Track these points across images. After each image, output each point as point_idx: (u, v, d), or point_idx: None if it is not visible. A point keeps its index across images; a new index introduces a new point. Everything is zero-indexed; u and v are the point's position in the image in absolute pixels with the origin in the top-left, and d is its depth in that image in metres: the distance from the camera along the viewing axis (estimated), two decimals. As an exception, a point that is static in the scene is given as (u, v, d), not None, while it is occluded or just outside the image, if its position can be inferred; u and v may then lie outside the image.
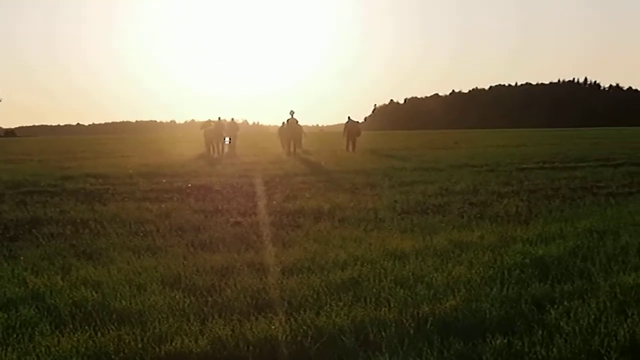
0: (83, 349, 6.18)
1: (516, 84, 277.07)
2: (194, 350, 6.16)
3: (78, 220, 14.35)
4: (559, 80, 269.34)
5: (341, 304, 7.45)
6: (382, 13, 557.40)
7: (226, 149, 49.81)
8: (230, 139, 51.13)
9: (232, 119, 55.86)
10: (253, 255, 10.27)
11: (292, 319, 6.94)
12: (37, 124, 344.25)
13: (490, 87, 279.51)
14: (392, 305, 7.39)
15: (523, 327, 6.69)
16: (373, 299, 7.65)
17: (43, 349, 6.19)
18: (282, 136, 54.45)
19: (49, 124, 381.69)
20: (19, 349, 6.32)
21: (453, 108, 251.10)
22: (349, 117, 53.53)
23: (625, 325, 6.53)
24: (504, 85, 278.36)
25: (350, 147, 50.60)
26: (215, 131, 49.02)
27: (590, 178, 23.06)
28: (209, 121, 51.83)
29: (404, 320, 6.85)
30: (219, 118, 50.66)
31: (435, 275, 8.68)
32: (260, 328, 6.66)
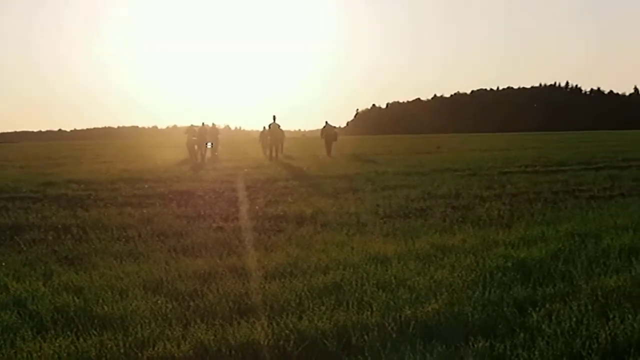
0: (65, 355, 6.16)
1: (498, 88, 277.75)
2: (176, 355, 6.15)
3: (60, 226, 14.31)
4: (540, 85, 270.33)
5: (323, 308, 7.45)
6: (365, 18, 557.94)
7: (208, 154, 49.77)
8: (212, 144, 51.02)
9: (213, 124, 55.79)
10: (235, 260, 10.26)
11: (274, 323, 6.94)
12: (18, 130, 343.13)
13: (472, 91, 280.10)
14: (374, 309, 7.40)
15: (505, 330, 6.71)
16: (355, 303, 7.65)
17: (25, 355, 6.17)
18: (263, 141, 54.52)
19: (30, 130, 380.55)
20: (1, 355, 6.29)
21: (435, 113, 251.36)
22: (326, 122, 53.59)
23: (606, 328, 6.56)
24: (486, 89, 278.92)
25: (327, 152, 50.56)
26: (199, 136, 49.02)
27: (572, 181, 23.15)
28: (192, 126, 51.86)
29: (387, 324, 6.85)
30: (203, 123, 50.68)
31: (417, 279, 8.69)
32: (243, 332, 6.66)
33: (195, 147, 48.15)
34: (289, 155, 49.88)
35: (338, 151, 53.69)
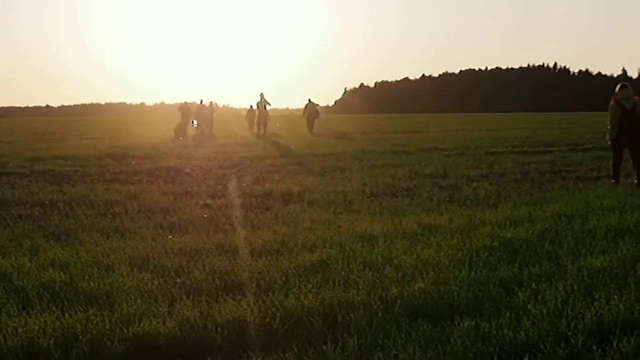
0: (50, 330, 6.14)
1: (486, 68, 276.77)
2: (162, 331, 6.14)
3: (46, 202, 14.30)
4: (528, 65, 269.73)
5: (310, 286, 7.45)
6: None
7: (194, 131, 49.88)
8: (197, 122, 51.08)
9: (211, 102, 56.04)
10: (222, 238, 10.25)
11: (260, 301, 6.94)
12: (5, 106, 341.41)
13: (460, 71, 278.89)
14: (360, 287, 7.40)
15: (491, 309, 6.72)
16: (341, 281, 7.65)
17: (10, 330, 6.15)
18: (249, 119, 54.61)
19: (17, 105, 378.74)
20: (-14, 330, 6.27)
21: (423, 92, 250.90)
22: (309, 100, 53.66)
23: (592, 308, 6.57)
24: (474, 69, 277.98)
25: (309, 129, 50.74)
26: (195, 114, 49.65)
27: (560, 162, 23.21)
28: (186, 104, 52.17)
29: (373, 303, 6.85)
30: (202, 101, 52.31)
31: (404, 257, 8.70)
32: (229, 310, 6.66)
33: (193, 123, 48.65)
34: (276, 134, 49.79)
35: (326, 129, 53.74)
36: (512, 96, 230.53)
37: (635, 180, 17.00)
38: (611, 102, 17.18)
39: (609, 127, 17.18)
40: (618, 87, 17.49)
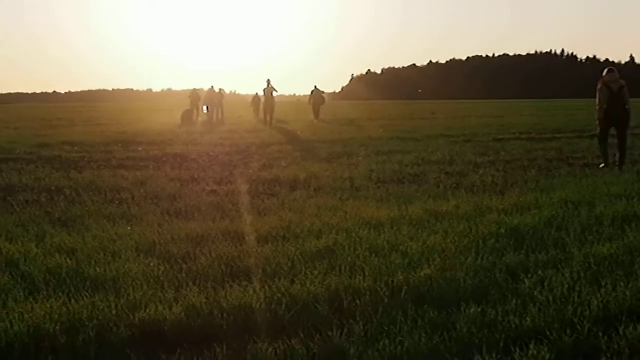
0: (57, 316, 6.14)
1: (494, 55, 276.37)
2: (168, 317, 6.14)
3: (53, 188, 14.30)
4: (536, 52, 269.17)
5: (316, 272, 7.45)
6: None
7: (205, 118, 50.18)
8: (207, 108, 51.44)
9: (221, 89, 56.44)
10: (228, 224, 10.25)
11: (266, 287, 6.93)
12: (12, 92, 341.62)
13: (468, 58, 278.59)
14: (366, 273, 7.39)
15: (497, 296, 6.71)
16: (348, 268, 7.65)
17: (17, 316, 6.15)
18: (255, 105, 54.93)
19: (24, 91, 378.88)
20: (-7, 316, 6.28)
21: (431, 79, 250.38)
22: (315, 87, 54.09)
23: (598, 295, 6.56)
24: (481, 56, 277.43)
25: (316, 116, 51.07)
26: (205, 100, 50.17)
27: (567, 149, 23.16)
28: (195, 90, 52.53)
29: (379, 289, 6.85)
30: (212, 87, 52.72)
31: (410, 244, 8.69)
32: (235, 296, 6.65)
33: (204, 109, 49.07)
34: (282, 120, 49.77)
35: (333, 116, 53.74)
36: (519, 83, 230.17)
37: (617, 162, 17.87)
38: (599, 85, 18.00)
39: (597, 108, 18.04)
40: (605, 71, 18.39)
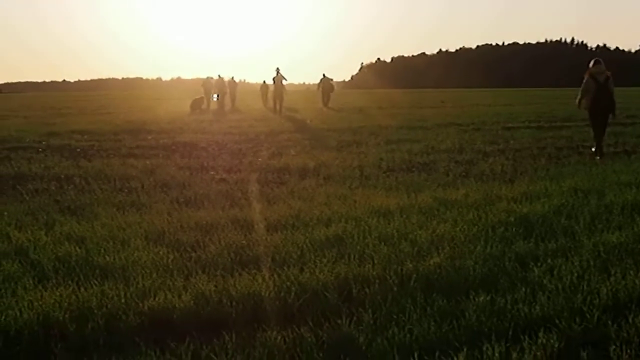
0: (66, 304, 6.16)
1: (503, 43, 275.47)
2: (177, 305, 6.14)
3: (62, 176, 14.33)
4: (546, 40, 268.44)
5: (325, 260, 7.45)
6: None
7: (215, 106, 50.46)
8: (218, 96, 51.79)
9: (232, 78, 57.13)
10: (237, 212, 10.26)
11: (275, 275, 6.94)
12: (22, 81, 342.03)
13: (477, 46, 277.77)
14: (375, 262, 7.39)
15: (506, 284, 6.70)
16: (357, 256, 7.65)
17: (26, 304, 6.16)
18: (263, 93, 55.31)
19: (34, 80, 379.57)
20: (2, 303, 6.28)
21: (440, 67, 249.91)
22: (323, 75, 54.67)
23: (607, 283, 6.55)
24: (490, 44, 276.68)
25: (325, 104, 51.46)
26: (216, 87, 50.79)
27: (577, 137, 23.10)
28: (209, 78, 52.93)
29: (388, 277, 6.85)
30: (219, 75, 54.35)
31: (419, 232, 8.68)
32: (244, 284, 6.66)
33: (214, 98, 49.67)
34: (292, 108, 49.74)
35: (342, 105, 53.71)
36: (529, 71, 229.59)
37: (593, 149, 18.57)
38: (586, 77, 18.56)
39: (578, 97, 18.94)
40: (592, 62, 18.85)
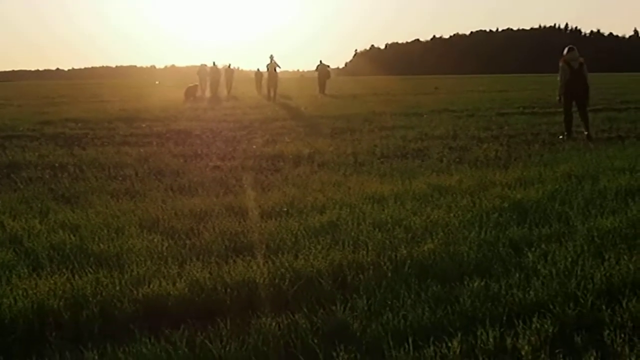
0: (61, 292, 6.16)
1: (497, 29, 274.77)
2: (171, 292, 6.15)
3: (57, 165, 14.33)
4: (540, 26, 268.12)
5: (319, 247, 7.46)
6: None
7: (210, 93, 50.69)
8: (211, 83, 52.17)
9: (229, 65, 57.32)
10: (232, 199, 10.27)
11: (270, 262, 6.95)
12: (16, 69, 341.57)
13: (471, 32, 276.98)
14: (370, 248, 7.40)
15: (500, 269, 6.72)
16: (351, 242, 7.66)
17: (20, 292, 6.16)
18: (257, 81, 55.47)
19: (28, 69, 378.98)
20: (-4, 292, 6.29)
21: (434, 54, 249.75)
22: (320, 61, 54.82)
23: (602, 269, 6.56)
24: (484, 30, 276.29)
25: (321, 90, 51.63)
26: (212, 75, 50.98)
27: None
28: (204, 66, 53.03)
29: (382, 263, 6.87)
30: (214, 63, 54.43)
31: (413, 218, 8.69)
32: (238, 271, 6.67)
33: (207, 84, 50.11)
34: (286, 95, 49.71)
35: (336, 91, 53.71)
36: (523, 57, 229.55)
37: (585, 133, 18.95)
38: (561, 63, 19.36)
39: (560, 85, 19.51)
40: (566, 50, 19.68)
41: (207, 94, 50.63)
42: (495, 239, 7.72)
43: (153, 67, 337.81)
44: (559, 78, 19.42)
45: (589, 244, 7.49)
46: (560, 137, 19.05)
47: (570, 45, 20.00)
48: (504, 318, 5.53)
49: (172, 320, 5.69)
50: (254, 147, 17.38)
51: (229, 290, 6.19)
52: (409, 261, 6.90)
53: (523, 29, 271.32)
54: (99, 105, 40.23)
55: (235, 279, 6.44)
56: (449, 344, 5.07)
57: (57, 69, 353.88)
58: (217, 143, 18.56)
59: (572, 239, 7.70)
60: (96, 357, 5.02)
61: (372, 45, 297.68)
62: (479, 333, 5.22)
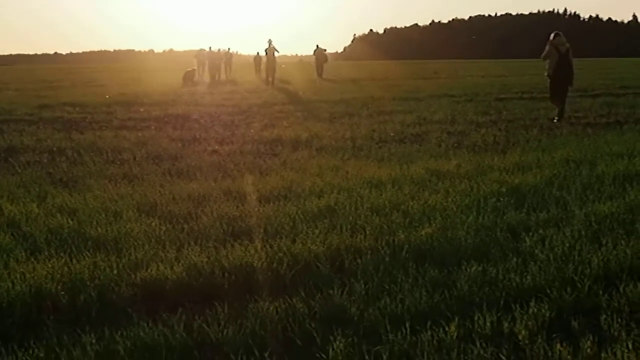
0: (58, 276, 6.17)
1: (496, 14, 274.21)
2: (169, 276, 6.16)
3: (55, 149, 14.31)
4: (538, 11, 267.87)
5: (317, 231, 7.47)
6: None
7: (208, 78, 50.79)
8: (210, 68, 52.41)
9: (228, 49, 57.75)
10: (230, 183, 10.27)
11: (267, 246, 6.96)
12: (13, 53, 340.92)
13: (470, 17, 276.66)
14: (367, 232, 7.41)
15: (498, 254, 6.72)
16: (349, 227, 7.67)
17: (18, 276, 6.17)
18: (256, 65, 55.56)
19: (25, 53, 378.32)
20: (-5, 276, 6.30)
21: (433, 38, 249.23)
22: (317, 45, 55.12)
23: (599, 253, 6.57)
24: (483, 15, 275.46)
25: (319, 74, 51.81)
26: (211, 59, 51.21)
27: (568, 108, 22.99)
28: (202, 50, 53.13)
29: (380, 248, 6.87)
30: (210, 47, 54.63)
31: (411, 203, 8.70)
32: (236, 255, 6.67)
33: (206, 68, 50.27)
34: (285, 80, 49.64)
35: (335, 76, 53.68)
36: (521, 42, 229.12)
37: (556, 119, 19.54)
38: (549, 47, 19.97)
39: (547, 68, 20.18)
40: (553, 35, 20.26)
41: (206, 78, 50.64)
42: (492, 224, 7.73)
43: (151, 51, 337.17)
44: (545, 59, 20.02)
45: (586, 229, 7.50)
46: (555, 119, 19.29)
47: (557, 31, 20.52)
48: (501, 303, 5.54)
49: (170, 304, 5.69)
50: (252, 131, 17.36)
51: (226, 274, 6.20)
52: (406, 246, 6.90)
53: (522, 14, 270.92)
54: (97, 89, 40.10)
55: (233, 263, 6.45)
56: (446, 329, 5.08)
57: (55, 53, 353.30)
58: (215, 127, 18.53)
59: (569, 224, 7.71)
60: (93, 341, 5.01)
61: (371, 30, 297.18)
62: (476, 318, 5.23)
